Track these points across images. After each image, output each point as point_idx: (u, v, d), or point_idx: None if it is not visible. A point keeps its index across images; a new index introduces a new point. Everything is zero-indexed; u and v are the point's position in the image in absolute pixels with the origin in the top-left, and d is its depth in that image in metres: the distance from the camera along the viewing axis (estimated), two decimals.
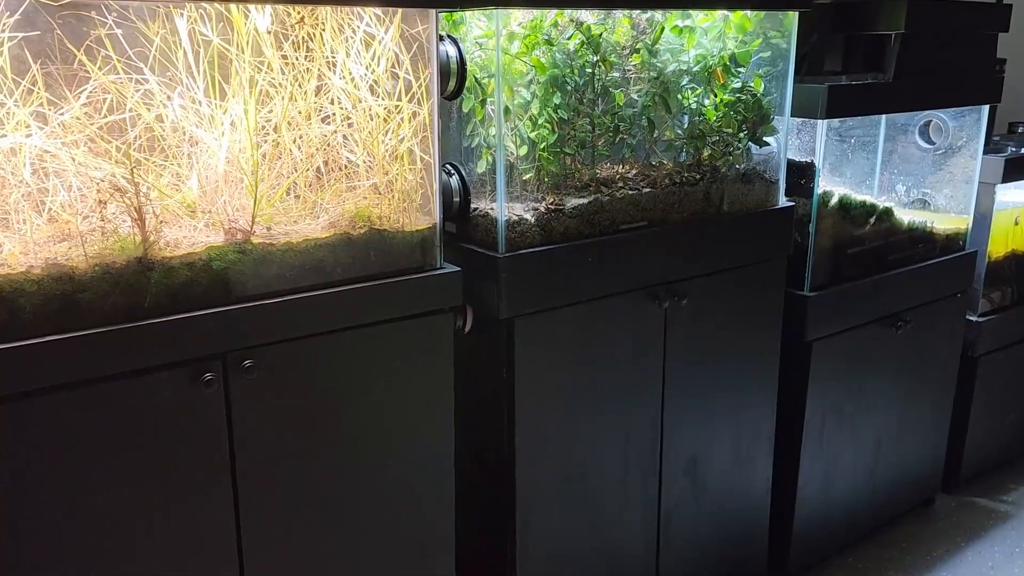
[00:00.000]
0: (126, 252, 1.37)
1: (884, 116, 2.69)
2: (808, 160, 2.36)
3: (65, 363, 1.31)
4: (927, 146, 2.92)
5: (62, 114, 1.33)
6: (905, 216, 2.68)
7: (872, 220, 2.56)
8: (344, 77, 1.57)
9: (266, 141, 1.52)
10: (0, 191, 1.30)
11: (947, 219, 2.83)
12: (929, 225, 2.75)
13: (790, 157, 2.34)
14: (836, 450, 2.61)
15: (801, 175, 2.38)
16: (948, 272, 2.79)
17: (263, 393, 1.51)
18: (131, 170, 1.36)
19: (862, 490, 2.76)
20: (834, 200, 2.43)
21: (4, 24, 1.27)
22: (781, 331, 2.37)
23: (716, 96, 2.12)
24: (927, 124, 2.90)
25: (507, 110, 1.80)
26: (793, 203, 2.29)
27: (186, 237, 1.45)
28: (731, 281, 2.20)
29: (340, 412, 1.62)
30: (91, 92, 1.34)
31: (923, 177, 2.91)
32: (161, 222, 1.42)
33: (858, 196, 2.52)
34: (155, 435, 1.42)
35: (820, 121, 2.28)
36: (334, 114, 1.58)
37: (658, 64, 2.01)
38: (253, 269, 1.49)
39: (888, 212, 2.60)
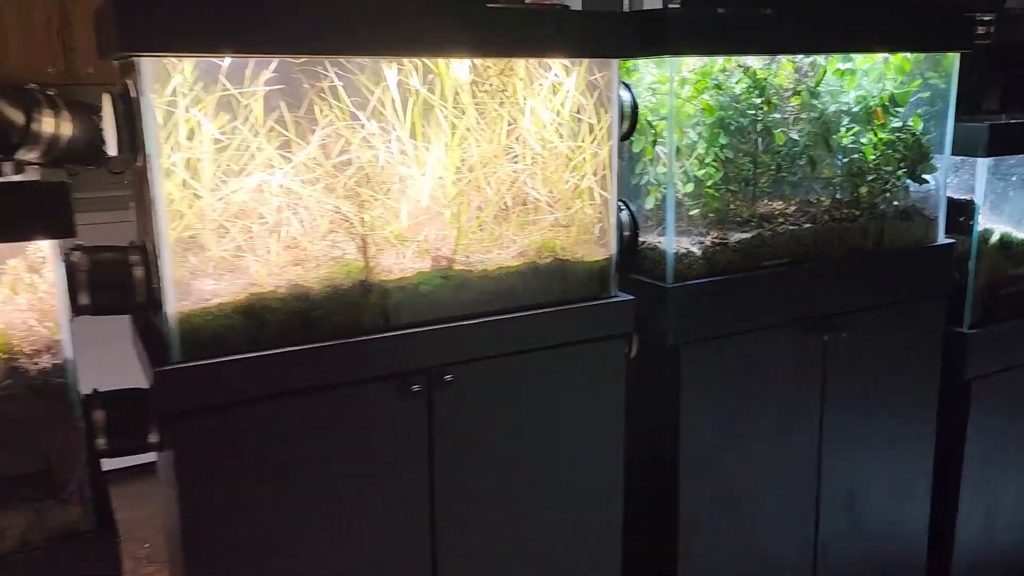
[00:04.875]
0: (351, 276, 1.56)
1: None
2: (967, 198, 2.38)
3: (301, 371, 1.51)
4: None
5: (295, 156, 1.53)
6: None
7: None
8: (534, 121, 1.74)
9: (465, 179, 1.70)
10: (250, 222, 1.51)
11: None
12: None
13: (948, 195, 2.36)
14: (998, 490, 2.56)
15: (960, 212, 2.39)
16: None
17: (459, 405, 1.67)
18: (358, 205, 1.55)
19: None
20: (994, 238, 2.43)
21: (259, 79, 1.49)
22: (940, 368, 2.37)
23: (875, 135, 2.18)
24: None
25: (678, 150, 1.93)
26: (954, 240, 2.31)
27: (397, 264, 1.63)
28: (890, 317, 2.24)
29: (524, 425, 1.76)
30: (320, 136, 1.55)
31: None
32: (379, 250, 1.61)
33: (1018, 234, 2.50)
34: (367, 437, 1.59)
35: (980, 159, 2.30)
36: (523, 154, 1.74)
37: (818, 105, 2.09)
38: (454, 293, 1.66)
39: None
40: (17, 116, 1.44)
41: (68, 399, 1.35)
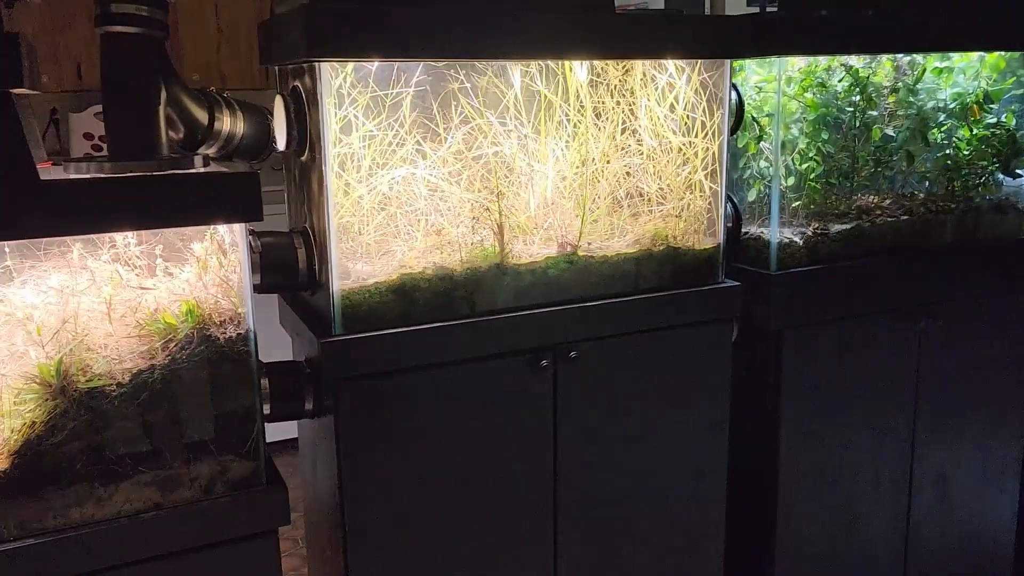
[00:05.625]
0: (489, 259, 1.71)
1: None
2: None
3: (446, 345, 1.66)
4: None
5: (439, 150, 1.69)
6: None
7: None
8: (650, 118, 1.87)
9: (587, 172, 1.84)
10: (398, 211, 1.67)
11: None
12: None
13: None
14: None
15: None
16: None
17: (581, 380, 1.81)
18: (497, 195, 1.70)
19: None
20: None
21: (406, 81, 1.64)
22: None
23: (968, 131, 2.25)
24: None
25: (782, 144, 2.04)
26: None
27: (526, 249, 1.77)
28: (983, 306, 2.31)
29: (637, 399, 1.89)
30: (462, 132, 1.70)
31: None
32: (512, 236, 1.75)
33: None
34: (501, 407, 1.74)
35: None
36: (639, 149, 1.88)
37: (916, 102, 2.18)
38: (578, 276, 1.80)
39: None
40: (202, 116, 1.62)
41: (250, 365, 1.52)
